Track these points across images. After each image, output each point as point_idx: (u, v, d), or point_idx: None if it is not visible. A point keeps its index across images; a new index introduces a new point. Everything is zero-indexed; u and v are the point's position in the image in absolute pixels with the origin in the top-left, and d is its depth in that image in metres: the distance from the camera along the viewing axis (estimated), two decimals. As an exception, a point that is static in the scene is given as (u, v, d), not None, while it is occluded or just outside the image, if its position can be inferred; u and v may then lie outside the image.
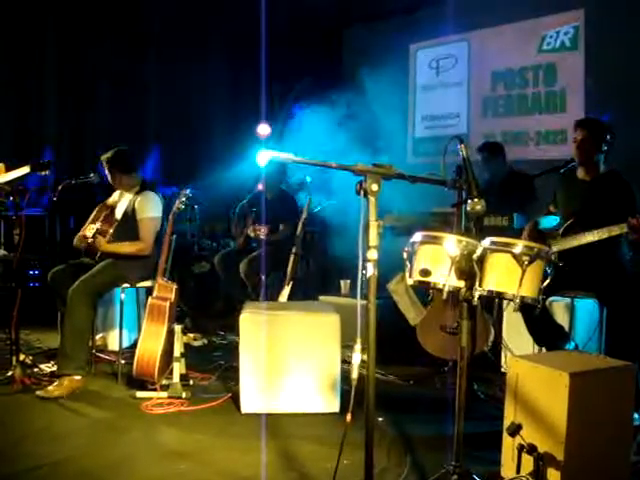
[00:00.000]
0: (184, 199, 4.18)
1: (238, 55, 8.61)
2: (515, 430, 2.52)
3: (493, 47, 7.25)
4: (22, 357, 4.09)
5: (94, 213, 4.50)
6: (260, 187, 6.34)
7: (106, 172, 4.45)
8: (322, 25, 8.28)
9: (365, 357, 2.10)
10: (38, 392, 3.80)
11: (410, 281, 2.51)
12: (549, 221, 3.96)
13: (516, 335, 4.09)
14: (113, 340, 4.83)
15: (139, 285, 4.37)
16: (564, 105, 6.65)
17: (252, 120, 8.51)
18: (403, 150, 8.07)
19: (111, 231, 4.33)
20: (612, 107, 5.42)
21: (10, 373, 3.91)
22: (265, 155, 2.19)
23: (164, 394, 3.78)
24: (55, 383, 3.86)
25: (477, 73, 7.46)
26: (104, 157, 4.44)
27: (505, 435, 2.65)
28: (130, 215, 4.34)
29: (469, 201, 2.44)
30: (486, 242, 2.42)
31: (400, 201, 5.14)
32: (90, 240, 4.23)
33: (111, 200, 4.60)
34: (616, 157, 3.81)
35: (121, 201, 4.52)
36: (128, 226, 4.32)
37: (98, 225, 4.29)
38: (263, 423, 3.43)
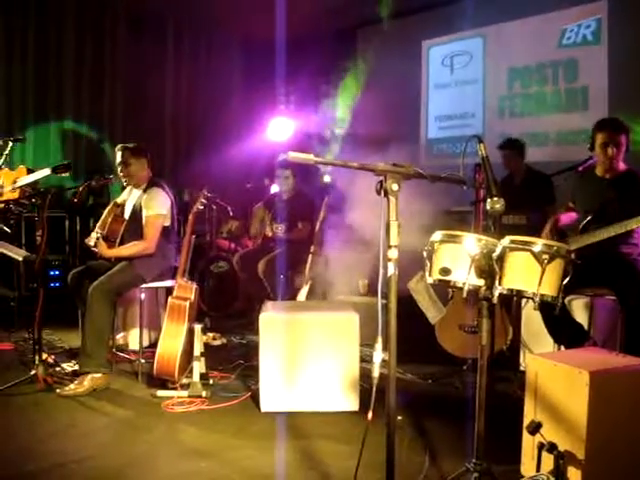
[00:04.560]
0: (203, 199, 4.21)
1: (254, 54, 8.71)
2: (535, 428, 2.52)
3: (509, 43, 6.99)
4: (45, 356, 4.13)
5: (105, 214, 4.53)
6: (276, 186, 6.38)
7: (119, 161, 4.40)
8: (336, 24, 8.26)
9: (386, 356, 2.11)
10: (59, 390, 3.87)
11: (430, 280, 2.52)
12: (568, 218, 3.94)
13: (535, 333, 4.07)
14: (134, 339, 4.88)
15: (159, 285, 4.41)
16: (586, 103, 6.35)
17: (268, 119, 8.58)
18: (416, 151, 7.85)
19: (121, 230, 4.35)
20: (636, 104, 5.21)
21: (33, 372, 3.95)
22: (285, 155, 2.21)
23: (184, 393, 3.82)
24: (76, 381, 3.92)
25: (493, 70, 7.23)
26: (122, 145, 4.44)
27: (525, 433, 2.66)
28: (138, 212, 4.35)
29: (488, 200, 2.44)
30: (505, 241, 2.42)
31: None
32: (93, 249, 4.29)
33: (121, 199, 4.62)
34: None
35: (129, 199, 4.54)
36: (137, 224, 4.34)
37: (100, 232, 4.31)
38: (283, 422, 3.45)
